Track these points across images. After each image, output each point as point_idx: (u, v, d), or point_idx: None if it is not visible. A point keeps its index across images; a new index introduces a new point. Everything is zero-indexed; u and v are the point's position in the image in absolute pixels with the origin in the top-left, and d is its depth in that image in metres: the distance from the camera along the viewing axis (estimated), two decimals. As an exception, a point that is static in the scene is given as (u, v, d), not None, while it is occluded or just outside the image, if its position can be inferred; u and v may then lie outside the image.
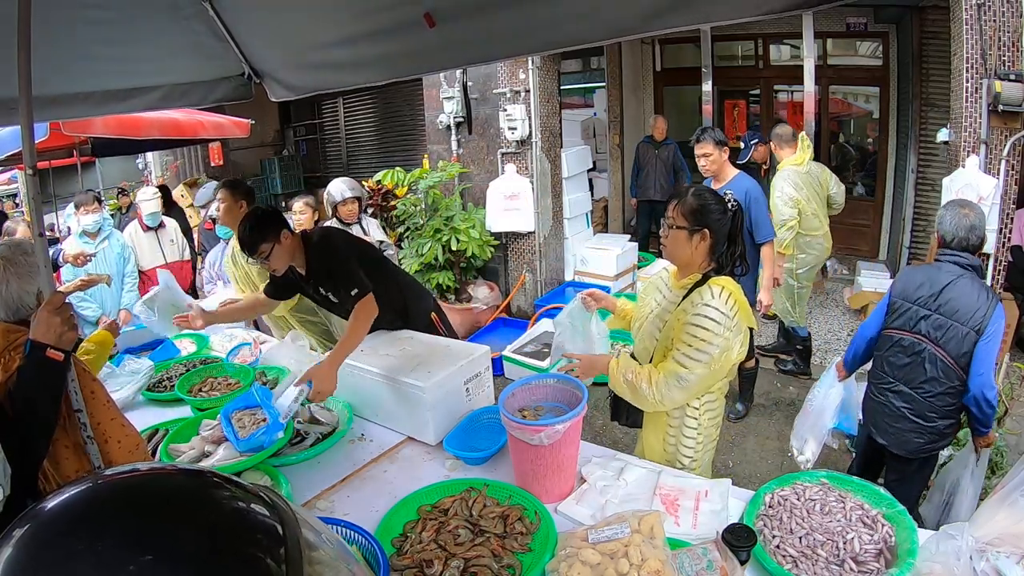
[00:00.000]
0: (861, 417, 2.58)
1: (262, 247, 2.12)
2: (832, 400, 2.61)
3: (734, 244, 1.73)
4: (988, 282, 3.70)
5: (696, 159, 3.31)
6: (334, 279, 2.30)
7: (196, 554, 0.41)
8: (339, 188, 3.67)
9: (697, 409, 1.77)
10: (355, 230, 3.65)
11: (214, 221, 3.85)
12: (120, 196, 6.74)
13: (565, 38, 1.78)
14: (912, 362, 2.20)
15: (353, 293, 2.19)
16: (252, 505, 0.47)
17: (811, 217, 3.88)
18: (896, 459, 2.33)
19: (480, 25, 1.80)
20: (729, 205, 1.72)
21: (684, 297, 1.72)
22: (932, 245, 2.30)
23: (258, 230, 2.13)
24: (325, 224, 3.64)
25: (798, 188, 3.83)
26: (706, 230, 1.68)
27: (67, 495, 0.45)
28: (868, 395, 2.43)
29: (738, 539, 1.24)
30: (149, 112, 3.30)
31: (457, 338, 2.83)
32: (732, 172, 3.30)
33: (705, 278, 1.69)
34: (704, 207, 1.69)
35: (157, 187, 5.85)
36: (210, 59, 2.25)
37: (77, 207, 4.12)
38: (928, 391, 2.18)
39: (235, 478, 0.50)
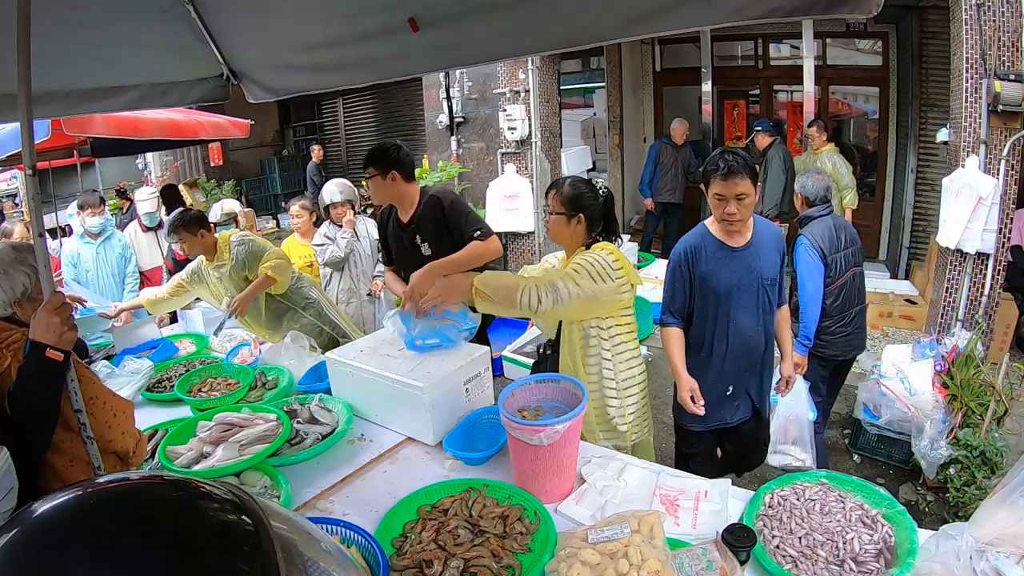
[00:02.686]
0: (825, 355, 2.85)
1: (370, 169, 2.52)
2: (802, 398, 2.73)
3: (608, 226, 2.05)
4: (988, 281, 3.72)
5: (719, 200, 2.08)
6: (452, 223, 2.53)
7: (163, 568, 0.41)
8: (330, 191, 3.79)
9: (608, 350, 1.98)
10: (337, 230, 3.73)
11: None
12: (120, 196, 6.74)
13: (551, 41, 1.79)
14: (855, 286, 2.86)
15: (477, 233, 2.47)
16: (225, 515, 0.46)
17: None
18: (850, 362, 2.97)
19: (465, 29, 1.80)
20: (600, 192, 2.03)
21: None
22: (797, 207, 2.98)
23: (374, 157, 2.53)
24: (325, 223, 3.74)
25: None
26: (581, 215, 1.98)
27: (46, 506, 0.45)
28: (835, 336, 2.82)
29: (738, 539, 1.24)
30: (129, 111, 3.28)
31: None
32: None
33: (588, 248, 1.98)
34: (579, 195, 1.98)
35: (165, 187, 5.85)
36: (189, 60, 2.25)
37: (82, 208, 4.11)
38: (863, 289, 2.90)
39: (210, 483, 0.50)
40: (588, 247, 1.99)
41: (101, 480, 0.51)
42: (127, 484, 0.50)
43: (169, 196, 5.50)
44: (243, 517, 0.46)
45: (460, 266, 2.27)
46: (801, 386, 2.72)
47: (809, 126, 5.11)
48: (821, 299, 2.73)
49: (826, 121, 5.42)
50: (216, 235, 3.07)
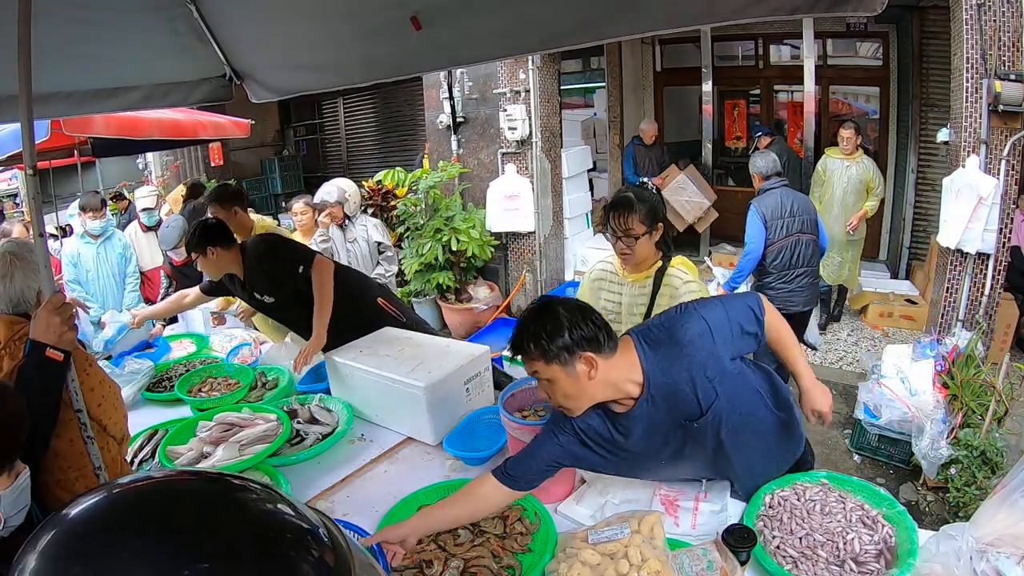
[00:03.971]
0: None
1: (193, 254, 2.52)
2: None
3: (665, 228, 1.89)
4: (988, 282, 3.72)
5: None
6: (275, 274, 2.55)
7: (252, 557, 0.40)
8: (323, 190, 3.81)
9: None
10: (338, 233, 3.74)
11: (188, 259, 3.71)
12: (118, 200, 6.75)
13: (552, 39, 1.80)
14: (799, 251, 3.31)
15: (300, 271, 2.49)
16: (288, 507, 0.46)
17: None
18: (804, 315, 3.46)
19: (467, 27, 1.80)
20: (652, 189, 1.95)
21: (655, 286, 1.87)
22: (756, 184, 3.48)
23: (189, 244, 2.53)
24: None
25: None
26: (660, 223, 1.84)
27: (91, 507, 0.43)
28: (775, 291, 3.31)
29: (738, 540, 1.24)
30: (133, 111, 3.28)
31: (408, 314, 2.92)
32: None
33: (664, 262, 1.88)
34: (654, 206, 1.83)
35: (192, 185, 5.92)
36: (192, 60, 2.25)
37: (84, 210, 4.10)
38: (812, 256, 3.38)
39: (278, 489, 0.50)
40: (663, 263, 1.88)
41: (123, 481, 0.49)
42: (153, 482, 0.50)
43: (193, 192, 5.64)
44: (274, 506, 0.46)
45: (329, 307, 2.40)
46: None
47: (842, 128, 4.72)
48: (758, 257, 3.32)
49: (856, 122, 4.97)
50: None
